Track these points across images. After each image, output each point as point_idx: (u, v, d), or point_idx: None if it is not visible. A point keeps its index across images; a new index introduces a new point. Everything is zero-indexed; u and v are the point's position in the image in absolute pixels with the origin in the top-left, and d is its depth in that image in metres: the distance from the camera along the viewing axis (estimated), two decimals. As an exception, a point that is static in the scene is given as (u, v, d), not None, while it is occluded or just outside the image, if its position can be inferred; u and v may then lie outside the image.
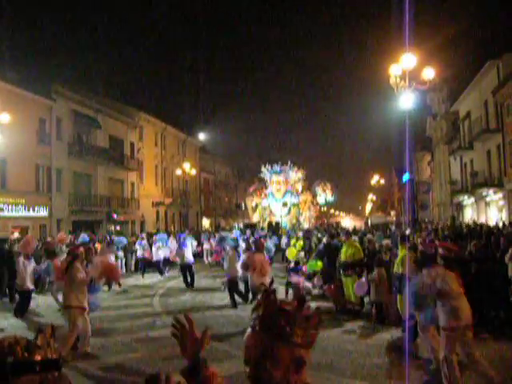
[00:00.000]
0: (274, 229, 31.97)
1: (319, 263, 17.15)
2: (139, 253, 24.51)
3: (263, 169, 43.75)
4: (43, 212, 33.35)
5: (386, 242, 15.49)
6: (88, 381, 8.65)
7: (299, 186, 44.88)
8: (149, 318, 13.43)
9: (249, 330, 2.24)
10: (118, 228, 41.62)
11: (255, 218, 43.08)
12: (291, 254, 20.02)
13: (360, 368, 8.71)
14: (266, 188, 43.49)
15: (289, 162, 44.14)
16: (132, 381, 8.55)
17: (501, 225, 25.22)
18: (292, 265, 17.94)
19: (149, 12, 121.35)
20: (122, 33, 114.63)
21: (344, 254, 14.02)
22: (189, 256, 20.00)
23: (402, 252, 11.69)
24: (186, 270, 19.77)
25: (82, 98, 38.97)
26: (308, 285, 15.25)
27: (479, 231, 21.02)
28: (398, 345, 8.04)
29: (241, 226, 47.06)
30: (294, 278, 15.00)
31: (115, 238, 24.31)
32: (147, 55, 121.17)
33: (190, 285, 19.49)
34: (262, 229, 34.74)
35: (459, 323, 7.29)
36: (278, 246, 27.40)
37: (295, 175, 44.07)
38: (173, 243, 24.53)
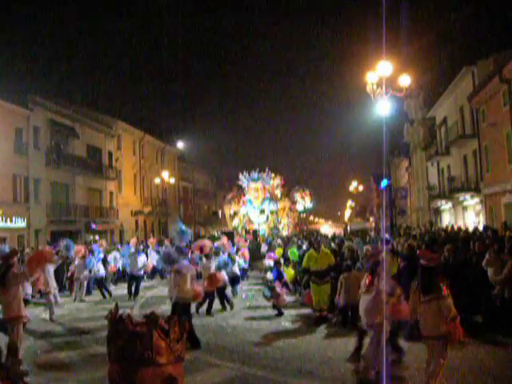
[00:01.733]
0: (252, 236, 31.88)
1: (291, 271, 17.31)
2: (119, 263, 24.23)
3: (241, 176, 43.69)
4: (21, 223, 33.03)
5: (366, 248, 15.53)
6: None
7: (278, 192, 44.89)
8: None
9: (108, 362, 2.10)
10: (97, 238, 41.37)
11: (235, 224, 42.97)
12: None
13: (341, 374, 8.74)
14: (244, 195, 43.43)
15: (267, 169, 44.11)
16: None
17: (481, 228, 25.47)
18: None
19: (125, 21, 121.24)
20: (99, 42, 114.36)
21: (315, 263, 13.92)
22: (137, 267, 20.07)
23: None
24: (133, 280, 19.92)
25: (60, 107, 38.76)
26: (286, 298, 15.23)
27: (455, 236, 21.17)
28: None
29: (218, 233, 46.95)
30: (278, 288, 15.03)
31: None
32: (124, 64, 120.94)
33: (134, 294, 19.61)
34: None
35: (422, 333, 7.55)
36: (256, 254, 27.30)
37: (273, 181, 44.09)
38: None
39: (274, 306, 14.71)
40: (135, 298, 19.25)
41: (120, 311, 3.57)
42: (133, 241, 23.03)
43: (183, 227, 15.22)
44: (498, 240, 14.16)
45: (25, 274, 9.54)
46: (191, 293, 11.76)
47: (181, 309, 11.73)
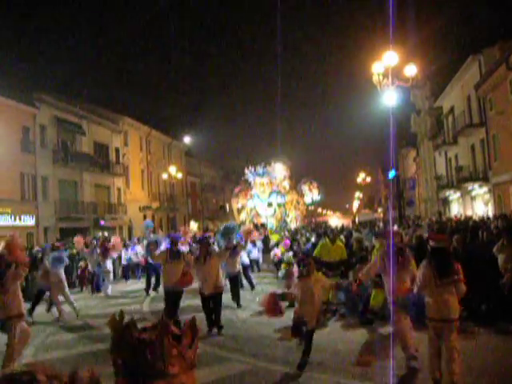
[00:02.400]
0: (259, 229, 31.75)
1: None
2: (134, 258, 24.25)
3: (246, 171, 43.56)
4: (30, 221, 33.17)
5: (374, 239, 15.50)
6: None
7: (286, 185, 44.77)
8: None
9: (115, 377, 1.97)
10: (106, 234, 41.40)
11: (242, 218, 42.83)
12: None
13: (351, 366, 8.72)
14: (251, 189, 43.29)
15: (272, 163, 43.90)
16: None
17: (491, 216, 25.36)
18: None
19: (130, 17, 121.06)
20: (105, 38, 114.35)
21: (328, 254, 13.86)
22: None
23: (377, 244, 12.61)
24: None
25: (66, 104, 38.83)
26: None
27: (465, 225, 21.07)
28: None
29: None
30: (294, 268, 15.08)
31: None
32: (130, 60, 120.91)
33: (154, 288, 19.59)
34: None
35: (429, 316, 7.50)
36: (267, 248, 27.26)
37: (280, 174, 43.88)
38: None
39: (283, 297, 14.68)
40: (149, 292, 19.29)
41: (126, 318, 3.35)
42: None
43: (230, 226, 15.63)
44: (509, 228, 14.07)
45: (21, 269, 9.49)
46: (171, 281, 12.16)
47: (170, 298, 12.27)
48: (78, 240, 20.69)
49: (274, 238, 23.03)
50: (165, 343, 1.93)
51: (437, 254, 7.66)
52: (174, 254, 12.66)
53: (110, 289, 19.88)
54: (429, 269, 7.49)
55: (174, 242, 13.15)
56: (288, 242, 21.30)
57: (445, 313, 7.31)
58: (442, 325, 7.33)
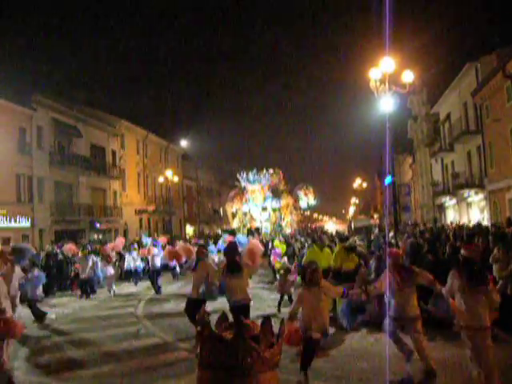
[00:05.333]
0: (254, 234, 31.62)
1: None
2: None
3: (238, 177, 43.42)
4: (25, 222, 33.06)
5: (352, 239, 15.47)
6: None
7: (281, 186, 44.60)
8: (133, 327, 13.30)
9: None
10: (100, 237, 41.36)
11: (235, 223, 42.76)
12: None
13: (345, 373, 8.67)
14: (246, 193, 43.18)
15: (264, 170, 43.69)
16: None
17: (484, 223, 25.36)
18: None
19: (128, 20, 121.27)
20: (102, 41, 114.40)
21: (336, 262, 13.62)
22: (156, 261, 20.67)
23: (337, 247, 13.62)
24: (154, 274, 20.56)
25: (63, 106, 38.79)
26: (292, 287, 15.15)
27: (459, 232, 21.08)
28: None
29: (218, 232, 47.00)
30: (291, 277, 15.06)
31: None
32: (128, 63, 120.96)
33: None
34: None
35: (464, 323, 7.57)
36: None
37: (273, 178, 43.72)
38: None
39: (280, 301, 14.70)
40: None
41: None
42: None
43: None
44: (503, 237, 14.10)
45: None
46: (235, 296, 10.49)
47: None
48: (70, 248, 21.08)
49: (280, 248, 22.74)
50: (240, 344, 2.02)
51: (467, 263, 7.73)
52: (233, 266, 10.42)
53: (114, 288, 20.48)
54: (458, 277, 7.55)
55: (230, 252, 10.76)
56: (278, 251, 21.18)
57: (476, 320, 7.36)
58: (474, 333, 7.38)
